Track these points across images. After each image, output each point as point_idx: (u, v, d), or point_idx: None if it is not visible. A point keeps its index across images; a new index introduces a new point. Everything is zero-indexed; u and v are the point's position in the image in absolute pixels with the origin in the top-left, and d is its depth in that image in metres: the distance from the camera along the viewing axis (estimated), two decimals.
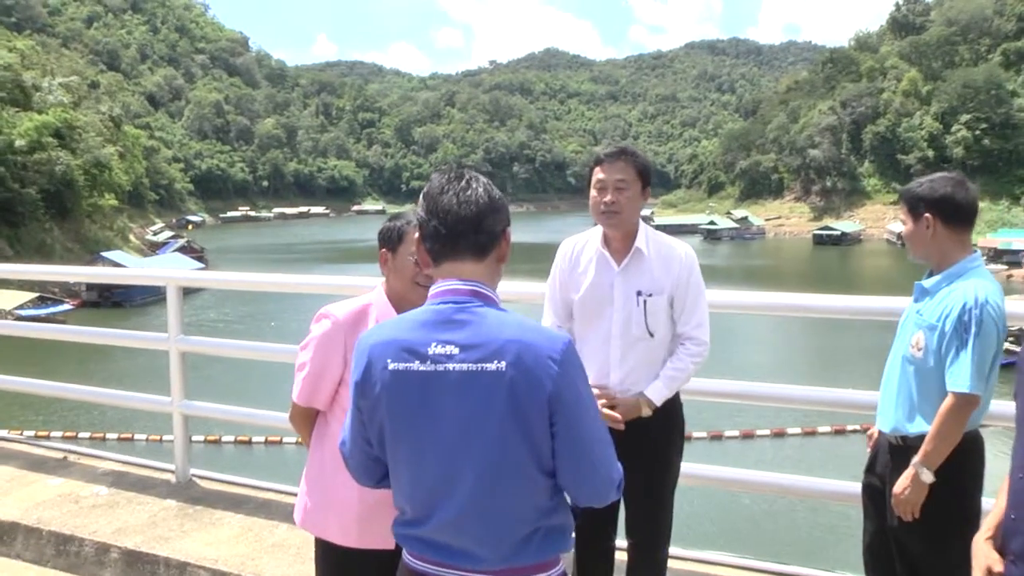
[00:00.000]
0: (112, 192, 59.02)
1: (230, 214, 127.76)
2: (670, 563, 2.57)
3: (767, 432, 18.55)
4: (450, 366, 1.42)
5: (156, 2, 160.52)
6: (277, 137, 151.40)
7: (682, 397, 2.54)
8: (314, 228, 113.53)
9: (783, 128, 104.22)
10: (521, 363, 1.40)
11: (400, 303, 2.06)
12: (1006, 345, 2.22)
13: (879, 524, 2.31)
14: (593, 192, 2.42)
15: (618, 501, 2.35)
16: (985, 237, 61.98)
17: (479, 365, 1.41)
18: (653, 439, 2.42)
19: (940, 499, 2.11)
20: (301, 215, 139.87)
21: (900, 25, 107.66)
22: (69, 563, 3.41)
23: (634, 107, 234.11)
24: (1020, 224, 72.45)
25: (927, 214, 2.19)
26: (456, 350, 1.42)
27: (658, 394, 2.40)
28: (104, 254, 46.44)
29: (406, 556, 1.53)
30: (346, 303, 2.09)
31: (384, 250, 2.09)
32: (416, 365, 1.44)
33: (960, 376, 2.06)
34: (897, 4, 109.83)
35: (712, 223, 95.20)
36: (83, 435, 18.04)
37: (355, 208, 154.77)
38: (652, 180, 2.50)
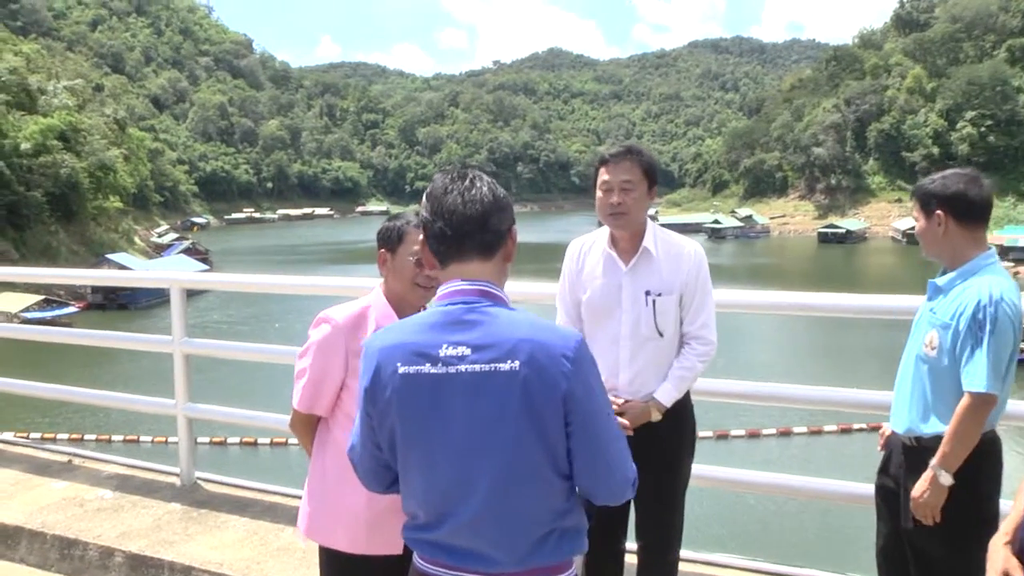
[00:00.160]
0: (117, 194, 59.28)
1: (234, 216, 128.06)
2: (679, 565, 2.54)
3: (773, 431, 18.52)
4: (462, 367, 1.40)
5: (160, 5, 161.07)
6: (281, 139, 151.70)
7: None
8: (318, 229, 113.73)
9: (787, 126, 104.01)
10: (535, 362, 1.38)
11: (400, 304, 2.03)
12: (1023, 344, 2.18)
13: (893, 526, 2.27)
14: (599, 193, 2.38)
15: (628, 503, 2.33)
16: (992, 234, 61.60)
17: (492, 365, 1.39)
18: (663, 441, 2.39)
19: (957, 501, 2.07)
20: (305, 216, 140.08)
21: (904, 22, 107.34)
22: (73, 567, 3.40)
23: (638, 106, 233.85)
24: None
25: (939, 211, 2.16)
26: (468, 351, 1.40)
27: (667, 396, 2.37)
28: (109, 256, 46.62)
29: (417, 561, 1.51)
30: (344, 306, 2.04)
31: (383, 251, 2.05)
32: (427, 368, 1.42)
33: (976, 376, 2.01)
34: (901, 1, 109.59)
35: (716, 222, 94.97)
36: (89, 437, 18.13)
37: (359, 209, 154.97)
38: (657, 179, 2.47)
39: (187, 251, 59.01)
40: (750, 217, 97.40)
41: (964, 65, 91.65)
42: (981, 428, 2.06)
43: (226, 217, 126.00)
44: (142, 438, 18.34)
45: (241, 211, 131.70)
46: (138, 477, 4.14)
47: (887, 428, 2.36)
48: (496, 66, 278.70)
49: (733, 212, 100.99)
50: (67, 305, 37.40)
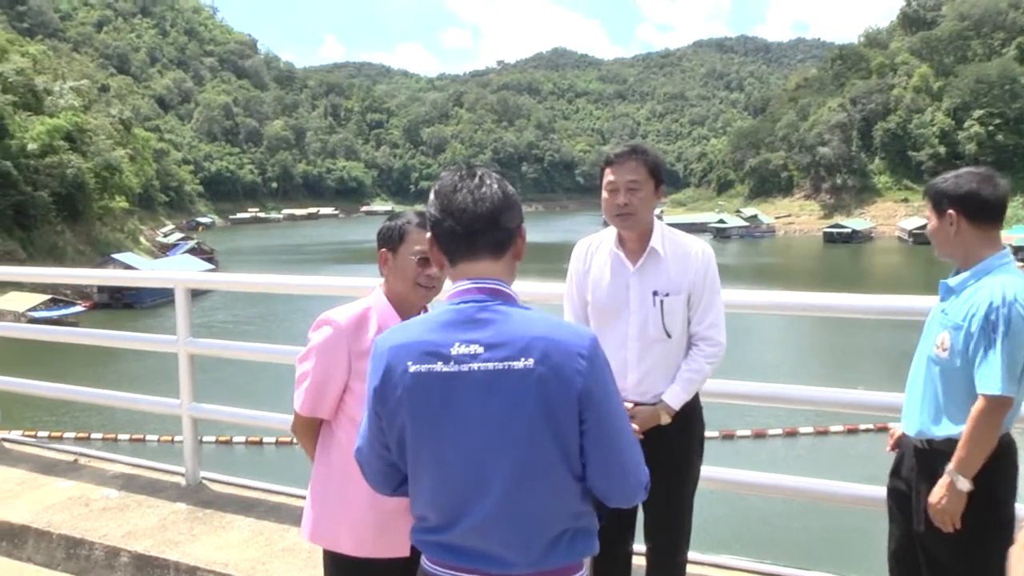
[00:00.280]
0: (123, 194, 59.53)
1: (239, 215, 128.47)
2: (687, 567, 2.52)
3: (779, 431, 18.46)
4: (475, 366, 1.38)
5: (165, 6, 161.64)
6: (286, 138, 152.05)
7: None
8: (323, 229, 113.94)
9: (792, 126, 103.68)
10: (549, 360, 1.36)
11: (401, 304, 2.00)
12: None
13: (905, 530, 2.24)
14: (605, 194, 2.36)
15: (637, 505, 2.31)
16: (1001, 234, 61.32)
17: (506, 363, 1.37)
18: (672, 444, 2.37)
19: (972, 505, 2.04)
20: (310, 216, 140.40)
21: (911, 20, 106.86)
22: (79, 567, 3.40)
23: (642, 106, 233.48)
24: None
25: (950, 210, 2.13)
26: (481, 349, 1.39)
27: (676, 398, 2.35)
28: (115, 256, 46.79)
29: (426, 563, 1.49)
30: (345, 308, 2.01)
31: (384, 250, 2.02)
32: (439, 366, 1.40)
33: (990, 378, 1.98)
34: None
35: (722, 222, 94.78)
36: (95, 436, 18.20)
37: (364, 209, 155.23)
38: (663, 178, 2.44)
39: (192, 251, 59.20)
40: (755, 217, 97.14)
41: (972, 63, 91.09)
42: (998, 431, 2.02)
43: (231, 217, 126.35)
44: (148, 437, 18.41)
45: (246, 211, 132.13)
46: (143, 477, 4.14)
47: (896, 428, 2.34)
48: (500, 66, 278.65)
49: (738, 212, 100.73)
50: (73, 304, 37.58)
